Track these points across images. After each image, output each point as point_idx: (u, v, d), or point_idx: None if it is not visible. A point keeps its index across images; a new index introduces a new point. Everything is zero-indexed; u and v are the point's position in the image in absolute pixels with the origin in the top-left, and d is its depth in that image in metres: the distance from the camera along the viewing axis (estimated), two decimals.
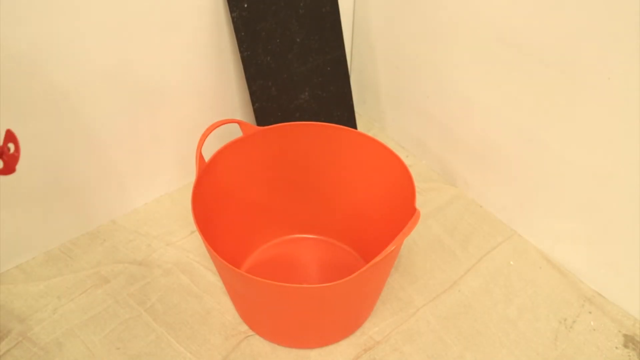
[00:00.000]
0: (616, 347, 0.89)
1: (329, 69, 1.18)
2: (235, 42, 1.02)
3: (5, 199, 0.90)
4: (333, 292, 0.72)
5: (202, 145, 0.80)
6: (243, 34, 1.02)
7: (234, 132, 0.89)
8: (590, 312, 0.94)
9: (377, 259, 0.66)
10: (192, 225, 1.08)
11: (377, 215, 0.94)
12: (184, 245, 1.04)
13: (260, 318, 0.86)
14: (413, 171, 0.83)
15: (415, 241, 1.07)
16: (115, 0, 0.85)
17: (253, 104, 1.09)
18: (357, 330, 0.90)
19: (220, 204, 0.89)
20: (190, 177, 1.15)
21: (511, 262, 1.03)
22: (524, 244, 1.07)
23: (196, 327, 0.90)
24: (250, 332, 0.89)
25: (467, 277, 1.00)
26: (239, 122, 0.87)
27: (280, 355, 0.86)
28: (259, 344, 0.88)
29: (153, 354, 0.86)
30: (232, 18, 0.99)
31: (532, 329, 0.91)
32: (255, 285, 0.71)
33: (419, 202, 1.09)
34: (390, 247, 0.67)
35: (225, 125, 0.84)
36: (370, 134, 1.06)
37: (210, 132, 0.81)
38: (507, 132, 1.00)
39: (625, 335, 0.90)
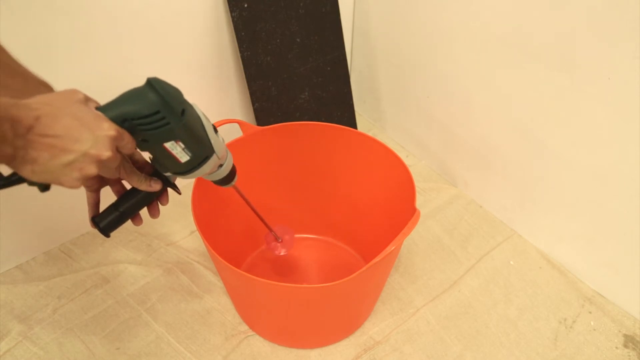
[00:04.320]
0: (616, 347, 0.89)
1: (329, 69, 1.18)
2: (235, 42, 1.02)
3: (5, 200, 0.90)
4: (333, 292, 0.72)
5: None
6: (243, 34, 1.02)
7: (234, 132, 0.89)
8: (590, 312, 0.94)
9: (377, 259, 0.66)
10: (192, 225, 1.08)
11: (377, 215, 0.94)
12: (184, 245, 1.04)
13: (260, 318, 0.86)
14: (413, 171, 0.83)
15: (415, 241, 1.07)
16: (115, 0, 0.85)
17: (253, 104, 1.09)
18: (357, 330, 0.90)
19: (221, 204, 0.89)
20: None
21: (511, 262, 1.03)
22: (524, 244, 1.07)
23: (196, 327, 0.90)
24: (250, 332, 0.89)
25: (467, 277, 1.00)
26: (239, 122, 0.87)
27: (280, 355, 0.86)
28: (259, 344, 0.88)
29: (153, 354, 0.86)
30: (232, 18, 0.99)
31: (532, 329, 0.91)
32: (255, 285, 0.71)
33: (419, 202, 1.09)
34: (390, 247, 0.67)
35: (225, 125, 0.84)
36: (370, 134, 1.06)
37: None
38: (507, 132, 1.00)
39: (625, 335, 0.90)
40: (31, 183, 0.46)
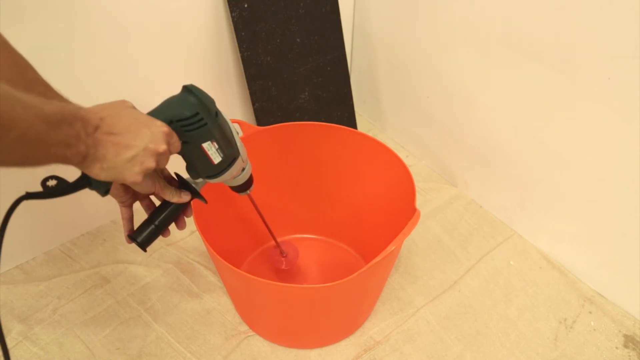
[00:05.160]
0: (616, 347, 0.89)
1: (329, 69, 1.18)
2: (235, 42, 1.02)
3: (5, 199, 0.90)
4: (333, 292, 0.72)
5: None
6: (243, 34, 1.02)
7: None
8: (590, 312, 0.94)
9: (377, 259, 0.66)
10: (192, 225, 1.08)
11: (377, 215, 0.94)
12: (184, 245, 1.04)
13: (260, 318, 0.86)
14: (413, 171, 0.83)
15: (415, 241, 1.07)
16: (115, 0, 0.85)
17: (253, 104, 1.09)
18: (357, 330, 0.90)
19: (221, 204, 0.89)
20: None
21: (511, 262, 1.03)
22: (524, 244, 1.07)
23: (196, 327, 0.90)
24: (250, 332, 0.89)
25: (467, 277, 1.00)
26: (239, 122, 0.87)
27: (280, 355, 0.86)
28: (259, 344, 0.88)
29: (153, 354, 0.86)
30: (232, 18, 0.99)
31: (532, 329, 0.91)
32: (255, 285, 0.71)
33: (419, 202, 1.09)
34: (390, 247, 0.67)
35: None
36: (370, 134, 1.06)
37: None
38: (507, 132, 1.00)
39: (625, 335, 0.90)
40: (94, 186, 0.50)
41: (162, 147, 0.50)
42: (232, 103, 1.15)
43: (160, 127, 0.50)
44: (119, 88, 0.94)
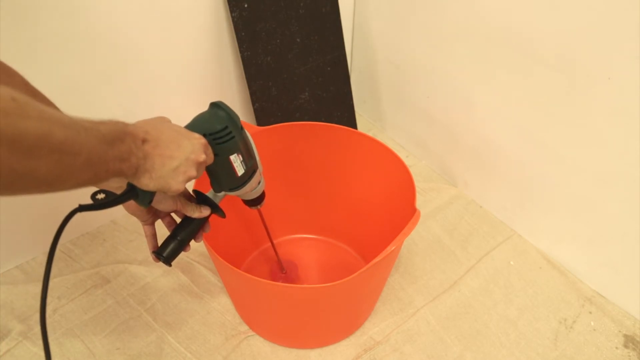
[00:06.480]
0: (616, 347, 0.89)
1: (329, 69, 1.18)
2: (235, 42, 1.02)
3: (5, 200, 0.90)
4: (333, 292, 0.72)
5: None
6: (243, 34, 1.02)
7: None
8: (590, 312, 0.94)
9: (377, 259, 0.66)
10: None
11: (377, 215, 0.94)
12: None
13: (260, 318, 0.86)
14: (413, 171, 0.83)
15: (415, 241, 1.07)
16: (115, 1, 0.85)
17: (253, 104, 1.09)
18: (357, 330, 0.90)
19: (221, 204, 0.88)
20: None
21: (511, 262, 1.03)
22: (524, 244, 1.07)
23: (196, 327, 0.90)
24: (250, 332, 0.89)
25: (467, 277, 1.00)
26: None
27: (280, 355, 0.86)
28: (259, 344, 0.88)
29: (153, 354, 0.86)
30: (232, 18, 0.99)
31: (532, 329, 0.91)
32: (255, 285, 0.71)
33: (419, 202, 1.09)
34: (390, 247, 0.67)
35: None
36: (370, 134, 1.06)
37: None
38: (507, 132, 1.00)
39: (625, 336, 0.90)
40: (140, 197, 0.52)
41: (202, 156, 0.53)
42: (232, 103, 1.15)
43: (199, 139, 0.54)
44: (119, 89, 0.94)
